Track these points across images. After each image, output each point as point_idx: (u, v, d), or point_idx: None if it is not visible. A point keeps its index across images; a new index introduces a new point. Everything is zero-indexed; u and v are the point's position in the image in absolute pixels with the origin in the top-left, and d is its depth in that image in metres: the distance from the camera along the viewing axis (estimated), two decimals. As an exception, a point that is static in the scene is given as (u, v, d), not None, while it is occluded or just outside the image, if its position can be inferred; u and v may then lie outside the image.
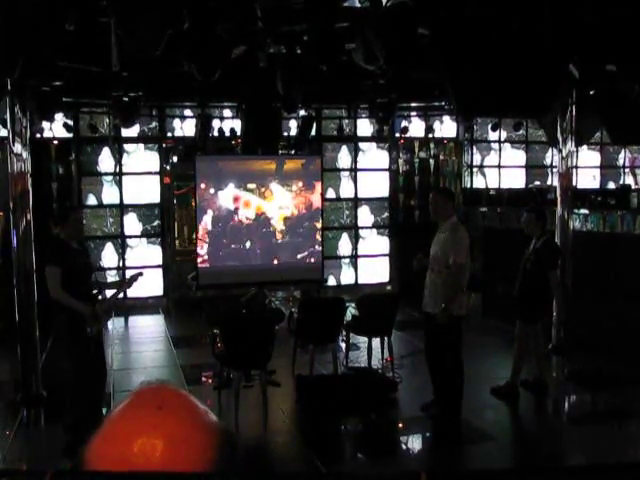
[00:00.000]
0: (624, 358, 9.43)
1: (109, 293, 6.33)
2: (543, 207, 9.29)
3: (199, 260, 11.62)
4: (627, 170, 16.96)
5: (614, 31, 8.04)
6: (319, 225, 12.34)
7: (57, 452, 5.60)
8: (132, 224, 13.09)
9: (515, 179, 15.90)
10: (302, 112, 12.53)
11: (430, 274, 6.62)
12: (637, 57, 8.89)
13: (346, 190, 14.37)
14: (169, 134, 13.07)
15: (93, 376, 6.01)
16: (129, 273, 12.45)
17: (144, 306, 12.74)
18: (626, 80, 9.96)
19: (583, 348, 8.18)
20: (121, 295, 6.49)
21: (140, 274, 6.30)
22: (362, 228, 14.51)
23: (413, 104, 13.88)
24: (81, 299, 5.87)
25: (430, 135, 14.51)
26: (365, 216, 14.54)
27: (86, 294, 5.99)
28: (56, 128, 11.96)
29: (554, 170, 14.49)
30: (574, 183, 14.16)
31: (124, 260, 12.99)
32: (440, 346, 6.66)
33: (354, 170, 14.38)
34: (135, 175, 12.99)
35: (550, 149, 15.61)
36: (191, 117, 12.92)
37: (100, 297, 6.17)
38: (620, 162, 16.94)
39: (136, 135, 12.87)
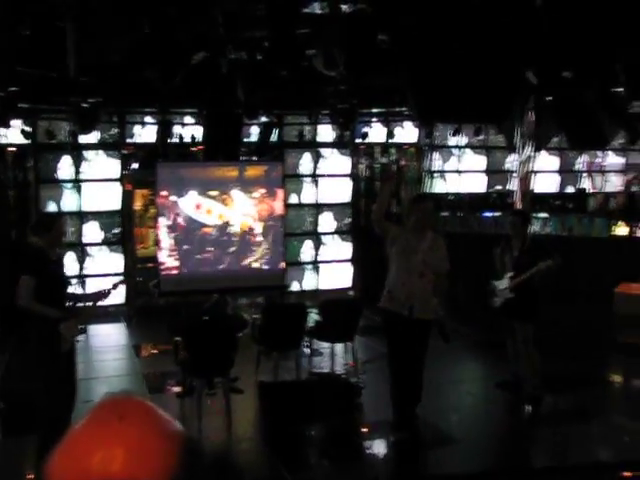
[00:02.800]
0: (583, 359, 9.60)
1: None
2: (526, 211, 9.47)
3: (161, 267, 11.53)
4: (584, 174, 17.24)
5: (569, 39, 8.18)
6: (281, 231, 12.33)
7: (14, 465, 5.49)
8: (92, 232, 12.92)
9: (476, 184, 16.07)
10: (263, 118, 12.52)
11: (417, 280, 6.53)
12: (591, 64, 9.05)
13: (308, 196, 14.37)
14: (129, 140, 12.94)
15: (64, 393, 5.80)
16: (90, 282, 12.42)
17: (106, 314, 12.58)
18: (582, 86, 10.13)
19: (543, 350, 8.27)
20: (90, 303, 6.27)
21: (120, 282, 6.20)
22: (324, 234, 14.51)
23: (374, 110, 13.96)
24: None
25: (391, 140, 14.60)
26: (327, 222, 14.55)
27: (60, 307, 5.77)
28: (13, 134, 11.78)
29: (514, 175, 14.65)
30: (533, 187, 14.40)
31: (84, 269, 12.82)
32: (420, 352, 6.64)
33: (316, 176, 14.39)
34: (95, 182, 12.83)
35: (510, 154, 15.80)
36: (152, 123, 12.82)
37: (74, 310, 5.97)
38: (578, 166, 17.21)
39: (96, 141, 12.71)
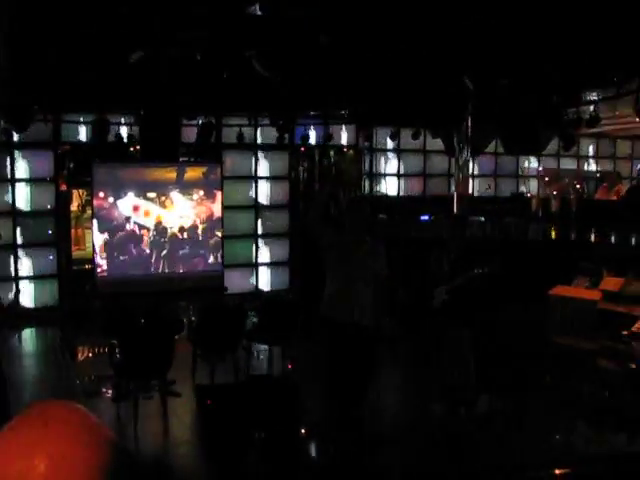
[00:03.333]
0: (519, 361, 9.80)
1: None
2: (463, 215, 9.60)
3: (96, 269, 11.36)
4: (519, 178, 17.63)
5: (506, 46, 8.37)
6: (220, 234, 12.29)
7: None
8: (25, 232, 12.62)
9: (414, 187, 16.29)
10: (202, 119, 12.45)
11: (357, 285, 6.49)
12: (526, 72, 9.28)
13: (247, 198, 14.35)
14: (65, 139, 12.69)
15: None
16: (22, 284, 12.16)
17: (39, 317, 12.32)
18: (518, 93, 10.37)
19: (479, 353, 8.43)
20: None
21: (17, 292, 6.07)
22: (263, 236, 14.51)
23: (313, 112, 14.01)
24: None
25: (330, 143, 14.69)
26: (266, 224, 14.55)
27: None
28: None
29: (452, 178, 14.89)
30: (470, 191, 14.66)
31: (17, 270, 12.52)
32: (364, 358, 6.64)
33: (255, 178, 14.38)
34: (29, 182, 12.54)
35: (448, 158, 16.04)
36: (88, 122, 12.59)
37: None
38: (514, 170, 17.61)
39: (30, 140, 12.43)
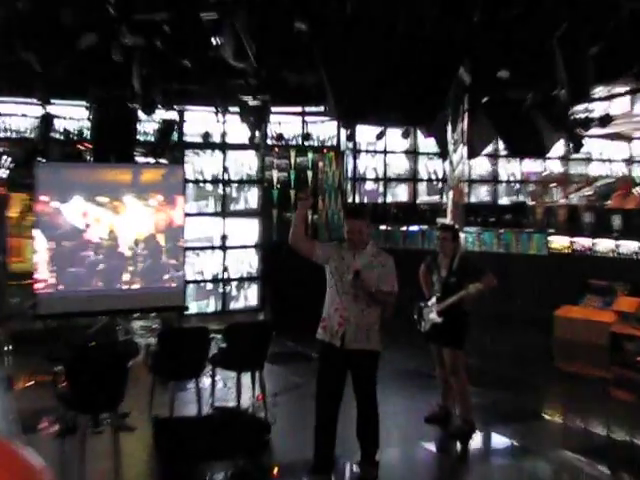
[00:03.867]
0: (519, 389, 9.82)
1: None
2: (456, 226, 9.61)
3: (39, 285, 11.25)
4: (523, 185, 17.76)
5: (505, 36, 8.42)
6: (181, 245, 12.22)
7: None
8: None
9: (403, 193, 16.38)
10: (162, 114, 12.40)
11: (351, 304, 6.41)
12: (529, 64, 9.33)
13: (213, 204, 14.34)
14: (3, 135, 12.57)
15: None
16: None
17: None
18: (519, 87, 10.43)
19: (475, 379, 8.44)
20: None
21: None
22: (230, 248, 14.51)
23: (289, 108, 14.03)
24: None
25: (308, 143, 14.70)
26: (234, 234, 14.54)
27: None
28: None
29: (445, 185, 14.97)
30: (466, 198, 14.72)
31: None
32: (363, 389, 6.59)
33: (222, 181, 14.37)
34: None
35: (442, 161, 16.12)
36: (31, 116, 12.49)
37: None
38: (517, 176, 17.73)
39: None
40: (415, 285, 8.33)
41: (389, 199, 16.32)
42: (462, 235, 12.33)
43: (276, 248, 14.35)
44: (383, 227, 14.82)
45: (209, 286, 14.45)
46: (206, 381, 9.12)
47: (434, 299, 8.02)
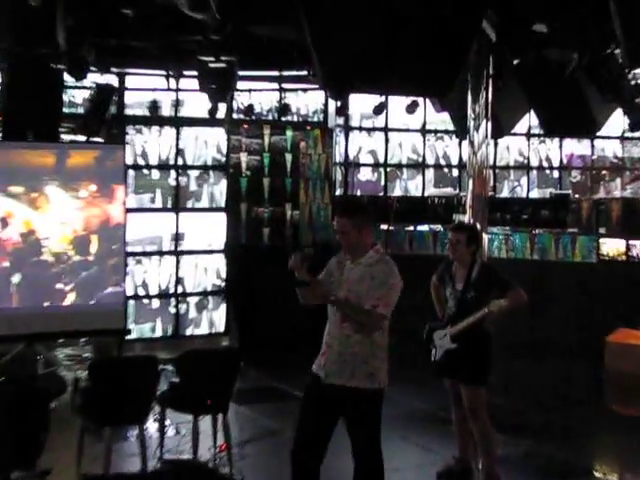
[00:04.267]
0: (559, 435, 9.76)
1: None
2: (474, 225, 9.54)
3: None
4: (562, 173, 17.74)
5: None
6: (121, 249, 12.12)
7: None
8: None
9: (409, 183, 16.35)
10: (96, 78, 12.31)
11: (337, 327, 6.36)
12: (573, 15, 9.26)
13: (163, 197, 14.27)
14: None
15: None
16: None
17: None
18: (560, 46, 10.38)
19: (501, 422, 8.40)
20: None
21: None
22: (186, 253, 14.46)
23: (262, 72, 13.96)
24: None
25: (286, 118, 14.62)
26: (191, 235, 14.48)
27: None
28: None
29: (464, 172, 14.90)
30: (490, 189, 14.66)
31: None
32: (354, 437, 6.49)
33: (175, 167, 14.29)
34: None
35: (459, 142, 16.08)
36: None
37: None
38: (555, 161, 17.71)
39: None
40: (425, 302, 8.26)
41: (391, 191, 16.28)
42: (485, 237, 12.26)
43: (245, 253, 14.29)
44: (384, 227, 14.75)
45: (157, 303, 14.38)
46: (153, 427, 9.08)
47: (447, 320, 7.94)
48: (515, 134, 15.89)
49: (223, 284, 14.69)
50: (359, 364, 6.25)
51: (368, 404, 6.28)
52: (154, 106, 13.28)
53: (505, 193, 17.07)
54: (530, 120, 15.78)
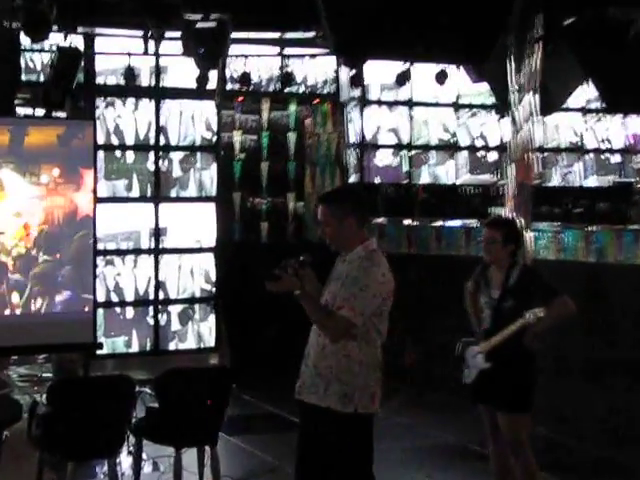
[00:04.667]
0: (625, 475, 9.76)
1: None
2: (513, 220, 9.51)
3: None
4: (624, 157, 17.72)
5: None
6: (90, 246, 12.14)
7: None
8: None
9: (439, 170, 16.34)
10: (59, 39, 12.33)
11: (314, 338, 6.43)
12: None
13: (141, 184, 14.29)
14: None
15: None
16: None
17: None
18: (624, 2, 10.38)
19: (549, 460, 8.42)
20: None
21: None
22: (168, 252, 14.48)
23: (260, 34, 13.96)
24: None
25: (289, 89, 14.61)
26: (175, 230, 14.49)
27: None
28: None
29: (504, 155, 14.90)
30: (537, 177, 14.66)
31: None
32: (332, 469, 6.53)
33: (155, 148, 14.30)
34: None
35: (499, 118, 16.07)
36: None
37: None
38: (616, 143, 17.67)
39: None
40: (458, 313, 8.27)
41: (416, 178, 16.28)
42: (528, 235, 12.24)
43: (240, 252, 14.28)
44: (407, 222, 14.75)
45: (132, 312, 14.40)
46: (126, 462, 9.07)
47: (481, 333, 7.94)
48: (568, 109, 15.88)
49: (213, 289, 14.71)
50: (333, 380, 6.28)
51: (339, 431, 6.23)
52: (130, 74, 13.24)
53: (555, 181, 17.00)
54: (586, 93, 15.78)
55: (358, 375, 6.14)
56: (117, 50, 13.71)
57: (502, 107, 13.41)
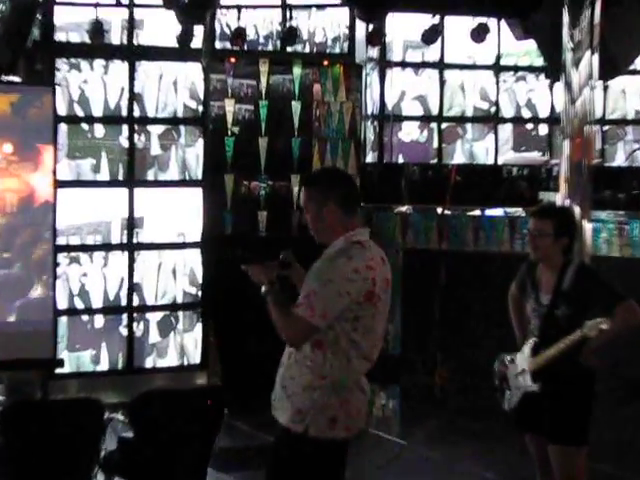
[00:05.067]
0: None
1: None
2: (567, 208, 9.50)
3: None
4: None
5: None
6: (49, 240, 12.17)
7: None
8: None
9: (477, 148, 16.32)
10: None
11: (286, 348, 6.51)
12: None
13: (111, 165, 14.28)
14: None
15: None
16: None
17: None
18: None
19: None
20: None
21: None
22: (146, 247, 14.50)
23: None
24: None
25: (293, 48, 14.60)
26: (152, 221, 14.48)
27: None
28: None
29: (557, 129, 14.89)
30: (597, 156, 14.66)
31: None
32: None
33: (129, 120, 14.31)
34: None
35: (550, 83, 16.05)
36: None
37: None
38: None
39: None
40: (500, 321, 8.27)
41: (449, 157, 16.27)
42: (587, 226, 12.23)
43: (232, 248, 14.28)
44: (439, 210, 14.72)
45: (101, 321, 14.40)
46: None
47: (528, 348, 7.93)
48: (635, 72, 15.84)
49: (199, 293, 14.71)
50: (292, 393, 6.31)
51: (290, 453, 6.36)
52: (97, 30, 13.26)
53: (619, 160, 16.94)
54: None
55: (317, 391, 6.16)
56: (84, 2, 13.71)
57: (554, 70, 13.39)
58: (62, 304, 13.37)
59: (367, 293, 6.14)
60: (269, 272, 6.43)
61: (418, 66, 15.86)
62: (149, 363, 14.51)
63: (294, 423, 6.20)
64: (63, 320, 13.63)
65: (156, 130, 14.60)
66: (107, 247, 14.37)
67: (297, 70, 14.86)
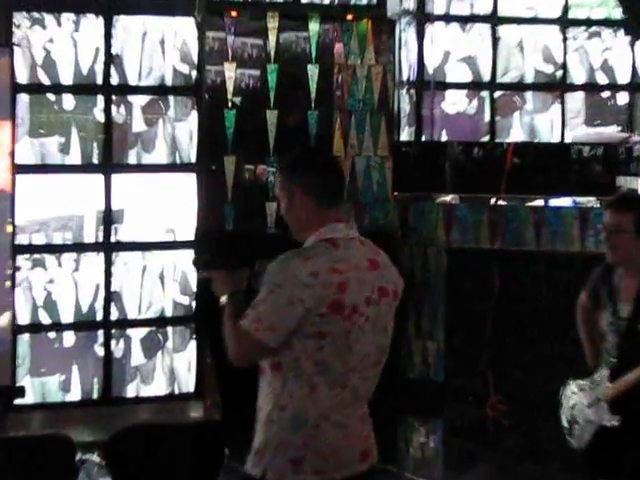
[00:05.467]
0: None
1: None
2: None
3: None
4: None
5: None
6: (6, 239, 12.20)
7: None
8: None
9: (540, 122, 16.29)
10: None
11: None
12: None
13: (84, 145, 14.24)
14: None
15: None
16: None
17: None
18: None
19: None
20: None
21: None
22: (127, 248, 14.45)
23: None
24: None
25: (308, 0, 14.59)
26: (135, 215, 14.47)
27: None
28: None
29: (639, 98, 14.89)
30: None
31: None
32: None
33: (105, 90, 14.28)
34: None
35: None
36: None
37: None
38: None
39: None
40: (568, 338, 8.26)
41: (504, 134, 16.22)
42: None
43: (230, 250, 14.22)
44: (491, 201, 14.69)
45: (72, 339, 14.37)
46: None
47: (604, 372, 7.91)
48: None
49: (193, 304, 14.70)
50: (256, 429, 6.36)
51: None
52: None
53: None
54: None
55: (274, 425, 6.15)
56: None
57: (636, 24, 13.40)
58: (23, 319, 13.34)
59: (332, 302, 6.06)
60: (238, 282, 6.48)
61: (465, 20, 15.77)
62: (131, 391, 14.41)
63: (253, 464, 6.23)
64: (24, 338, 13.55)
65: (139, 101, 14.46)
66: (79, 247, 14.28)
67: (314, 27, 14.80)
